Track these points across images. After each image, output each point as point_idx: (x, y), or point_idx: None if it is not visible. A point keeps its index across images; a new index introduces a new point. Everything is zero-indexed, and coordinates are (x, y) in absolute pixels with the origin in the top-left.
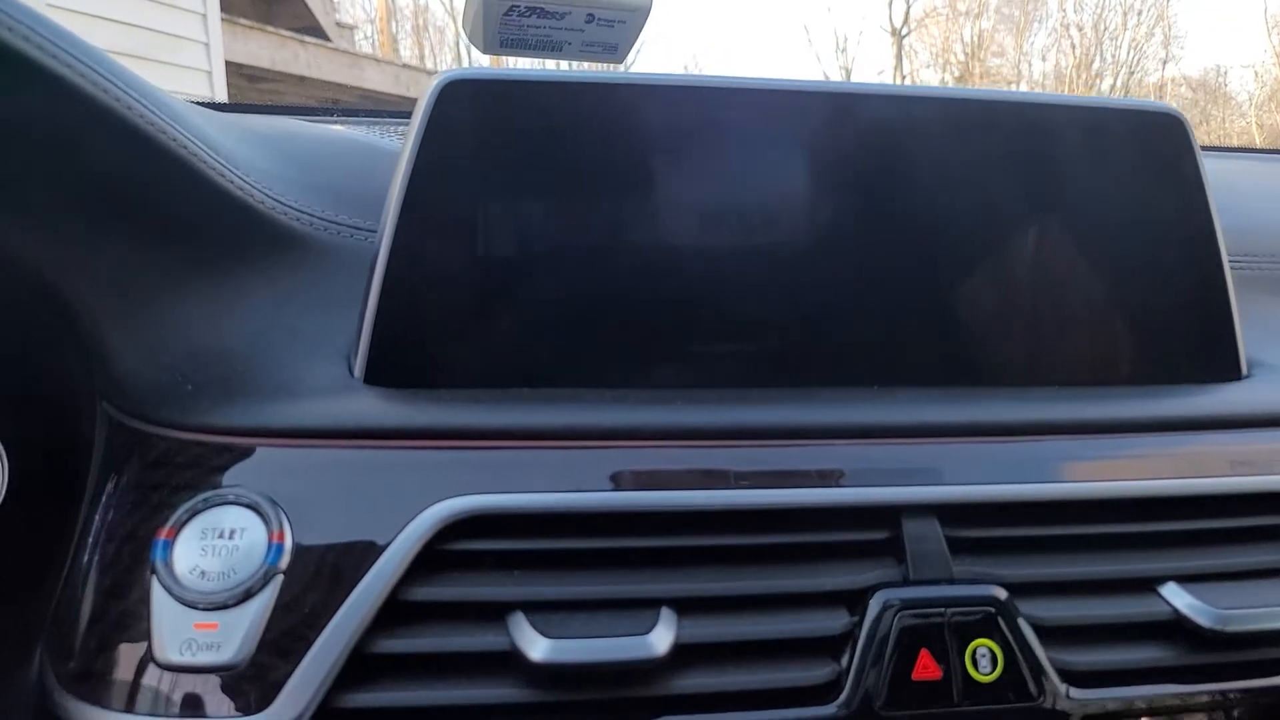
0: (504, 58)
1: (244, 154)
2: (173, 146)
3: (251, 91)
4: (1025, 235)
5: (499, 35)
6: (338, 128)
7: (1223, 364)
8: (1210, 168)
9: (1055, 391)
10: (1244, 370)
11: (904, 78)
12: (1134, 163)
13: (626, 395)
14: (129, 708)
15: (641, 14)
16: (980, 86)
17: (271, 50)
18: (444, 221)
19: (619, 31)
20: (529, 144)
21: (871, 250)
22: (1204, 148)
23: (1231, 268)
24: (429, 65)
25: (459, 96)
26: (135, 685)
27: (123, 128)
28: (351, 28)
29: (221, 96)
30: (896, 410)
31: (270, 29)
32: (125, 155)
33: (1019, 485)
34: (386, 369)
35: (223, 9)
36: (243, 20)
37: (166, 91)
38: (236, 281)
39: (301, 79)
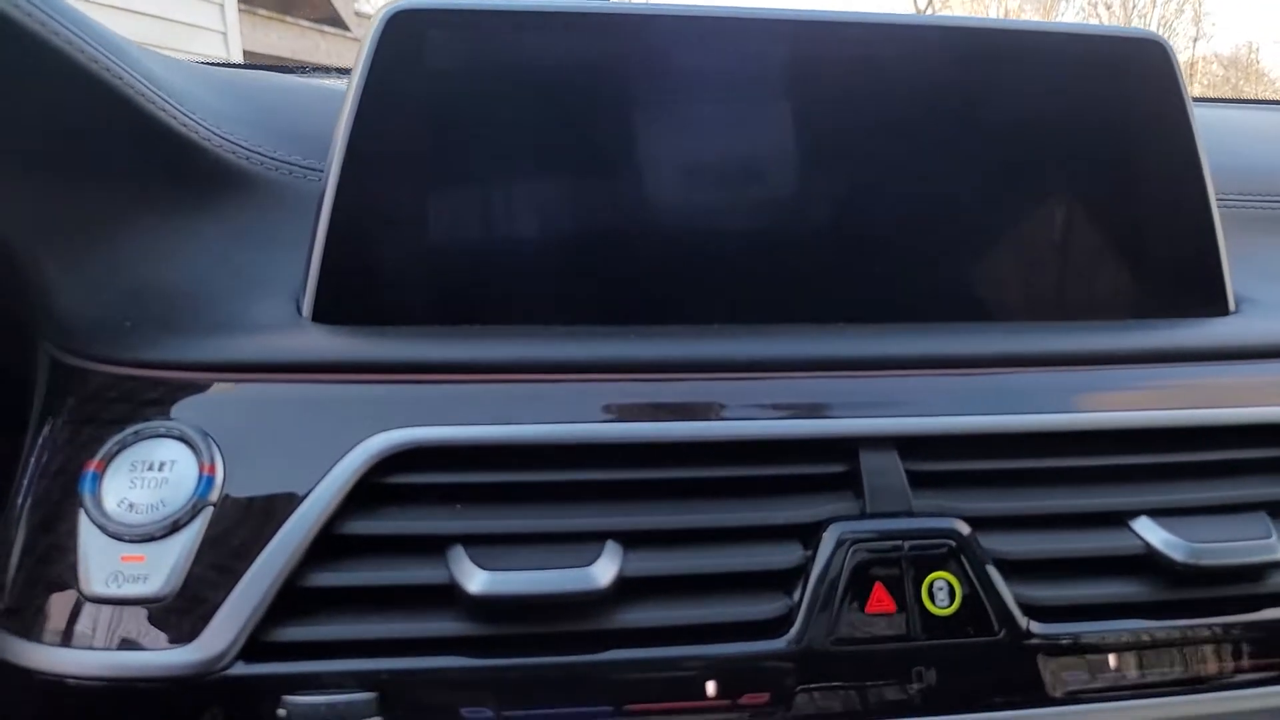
0: None
1: (189, 90)
2: (110, 79)
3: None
4: (1003, 168)
5: None
6: (294, 77)
7: (1209, 299)
8: (1207, 115)
9: (1025, 325)
10: (1232, 306)
11: None
12: (1115, 90)
13: (574, 330)
14: (57, 640)
15: None
16: None
17: (291, 40)
18: (391, 158)
19: None
20: (479, 77)
21: (839, 184)
22: (1201, 99)
23: (1225, 205)
24: None
25: (407, 28)
26: (63, 618)
27: (57, 60)
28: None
29: None
30: (856, 343)
31: (289, 19)
32: (60, 89)
33: (983, 417)
34: (334, 307)
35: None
36: (262, 10)
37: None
38: (183, 219)
39: (320, 68)
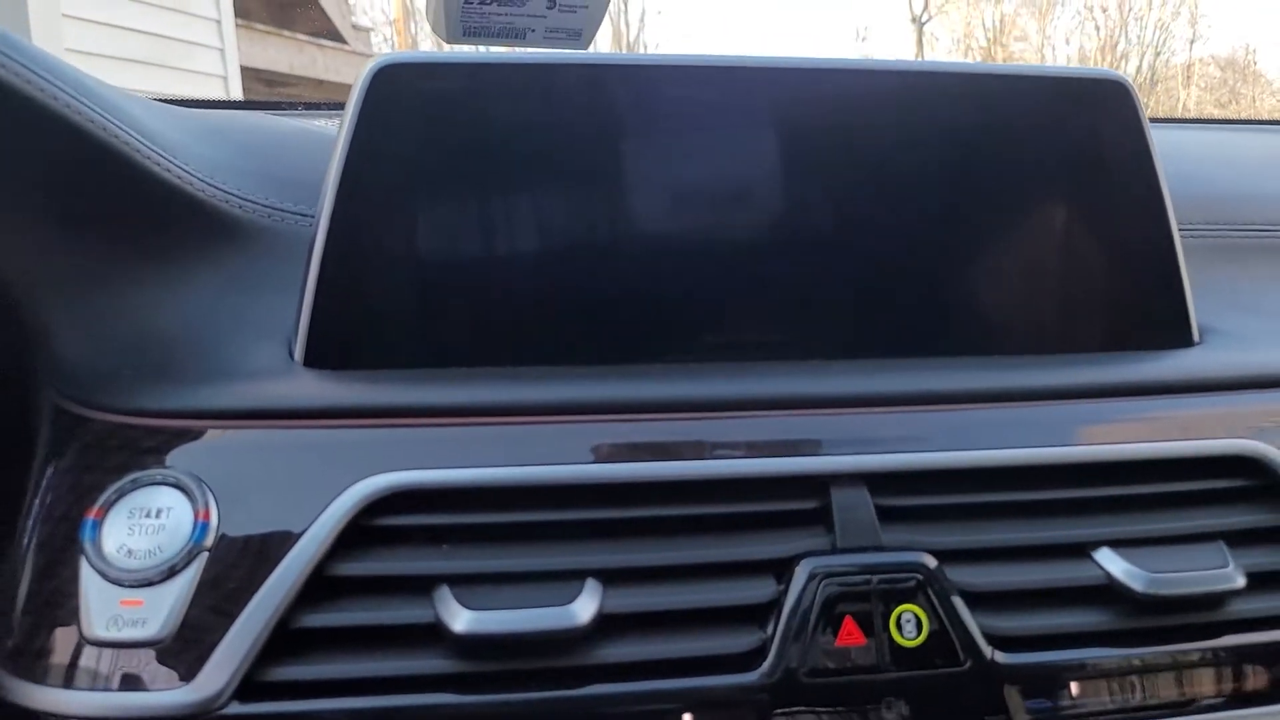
0: None
1: (182, 142)
2: (102, 136)
3: (270, 96)
4: (967, 206)
5: (461, 24)
6: (285, 119)
7: (1173, 331)
8: (1167, 138)
9: (991, 360)
10: (1196, 337)
11: None
12: (1081, 130)
13: (558, 372)
14: (60, 682)
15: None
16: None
17: (290, 55)
18: (380, 204)
19: (581, 17)
20: (465, 126)
21: (805, 223)
22: (1162, 119)
23: (1193, 235)
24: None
25: (394, 79)
26: (65, 661)
27: (53, 121)
28: (369, 30)
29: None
30: (826, 382)
31: (287, 33)
32: (57, 147)
33: (950, 453)
34: (325, 351)
35: (238, 15)
36: (259, 25)
37: (103, 82)
38: (179, 268)
39: (320, 82)
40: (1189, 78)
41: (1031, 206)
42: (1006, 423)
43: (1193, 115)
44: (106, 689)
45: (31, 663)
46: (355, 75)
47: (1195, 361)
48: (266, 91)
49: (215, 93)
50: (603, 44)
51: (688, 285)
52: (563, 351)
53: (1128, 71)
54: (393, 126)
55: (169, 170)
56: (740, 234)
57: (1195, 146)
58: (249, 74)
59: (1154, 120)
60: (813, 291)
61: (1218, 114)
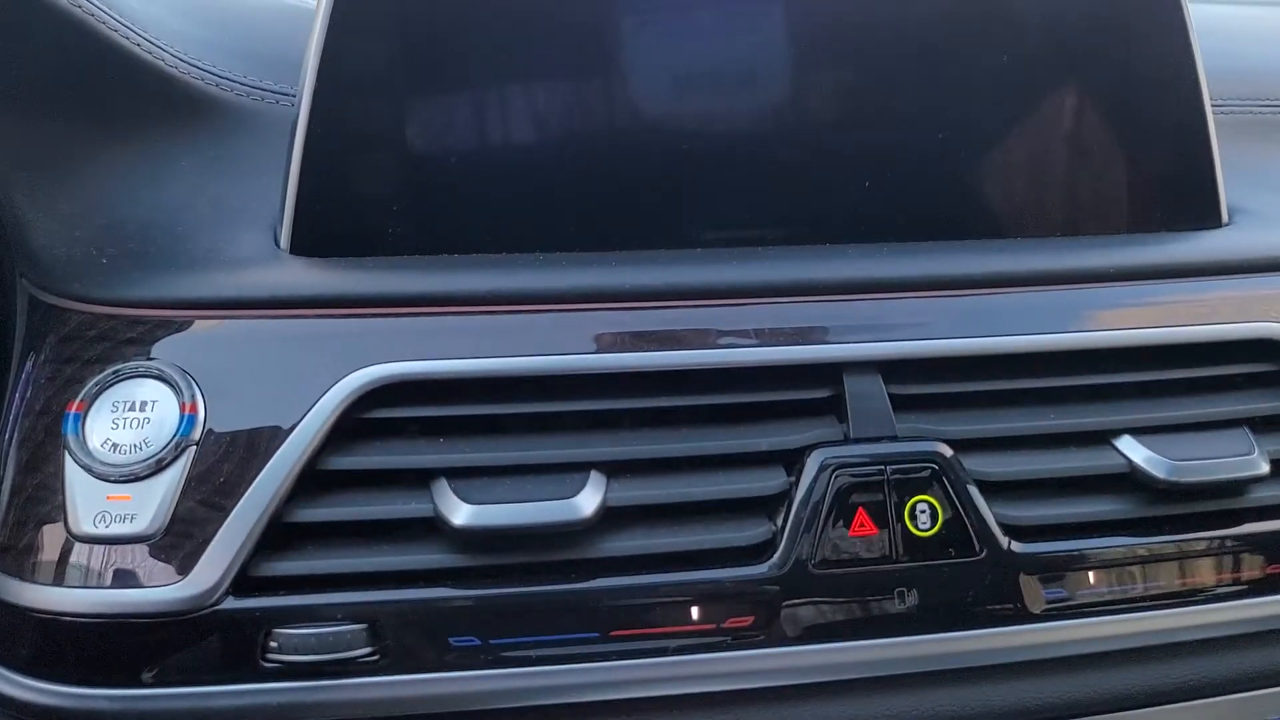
0: None
1: (154, 15)
2: (69, 7)
3: None
4: (987, 80)
5: None
6: None
7: (1202, 211)
8: (1203, 10)
9: (1010, 243)
10: (1225, 217)
11: None
12: (1114, 3)
13: (556, 258)
14: (49, 579)
15: None
16: None
17: None
18: (365, 84)
19: None
20: None
21: (822, 100)
22: None
23: (1221, 111)
24: None
25: None
26: (54, 557)
27: None
28: None
29: None
30: (839, 266)
31: None
32: (16, 21)
33: (967, 339)
34: (312, 238)
35: None
36: None
37: None
38: (156, 152)
39: None
40: None
41: (1056, 80)
42: (1025, 308)
43: None
44: (97, 585)
45: (20, 560)
46: None
47: (1223, 242)
48: None
49: None
50: None
51: (692, 168)
52: (561, 238)
53: None
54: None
55: (139, 44)
56: (747, 114)
57: (1233, 20)
58: None
59: None
60: (824, 173)
61: None
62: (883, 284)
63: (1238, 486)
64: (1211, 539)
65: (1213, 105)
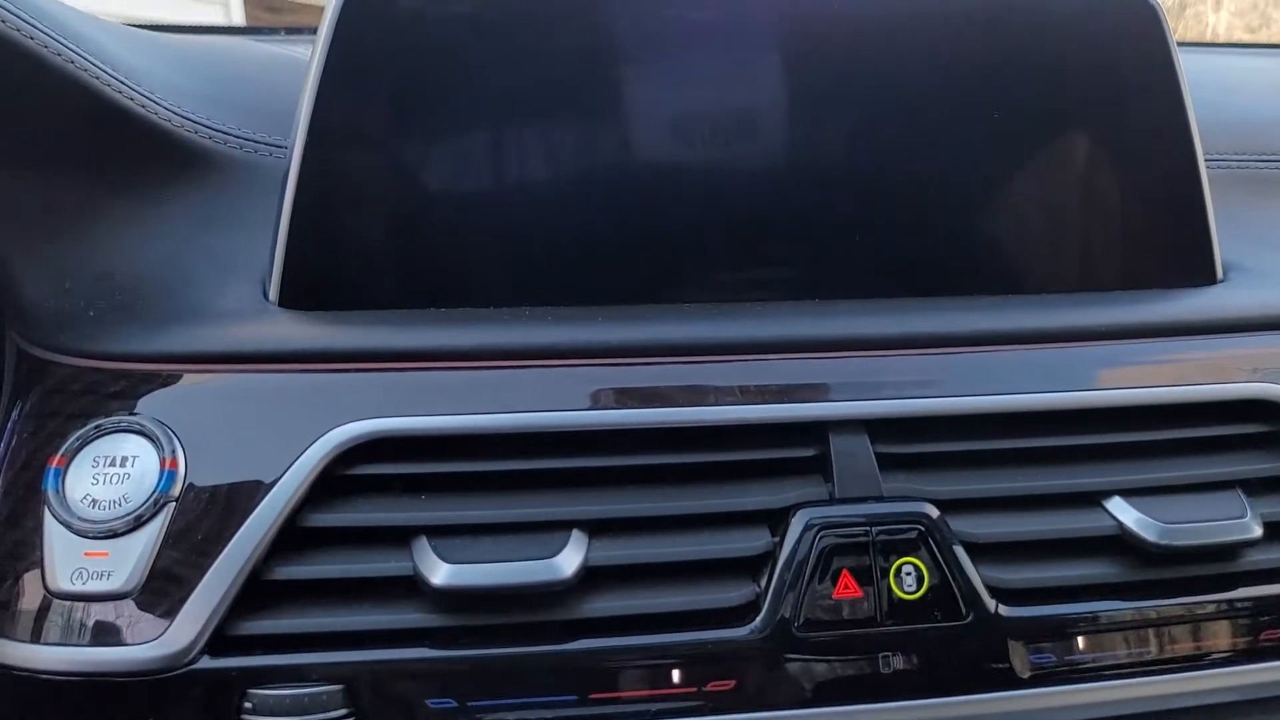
0: None
1: (148, 68)
2: (59, 62)
3: (273, 21)
4: (979, 135)
5: None
6: (263, 44)
7: (1196, 268)
8: (1195, 64)
9: (999, 300)
10: (1219, 274)
11: None
12: (1106, 56)
13: (542, 313)
14: (26, 636)
15: None
16: None
17: None
18: (356, 136)
19: None
20: (445, 53)
21: (804, 156)
22: (1190, 43)
23: (1215, 165)
24: None
25: (366, 2)
26: (31, 613)
27: (5, 46)
28: None
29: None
30: (826, 323)
31: None
32: (8, 75)
33: (954, 398)
34: (301, 291)
35: None
36: None
37: (64, 4)
38: (146, 203)
39: (324, 7)
40: (1219, 1)
41: (1050, 135)
42: (1015, 366)
43: (1222, 40)
44: (73, 643)
45: None
46: None
47: (1217, 301)
48: (270, 19)
49: (216, 18)
50: None
51: (678, 221)
52: (550, 292)
53: None
54: (368, 52)
55: (132, 98)
56: (735, 172)
57: (1224, 72)
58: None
59: (1182, 44)
60: (812, 228)
61: (1248, 39)
62: (870, 341)
63: (1230, 550)
64: (1204, 604)
65: (1206, 160)
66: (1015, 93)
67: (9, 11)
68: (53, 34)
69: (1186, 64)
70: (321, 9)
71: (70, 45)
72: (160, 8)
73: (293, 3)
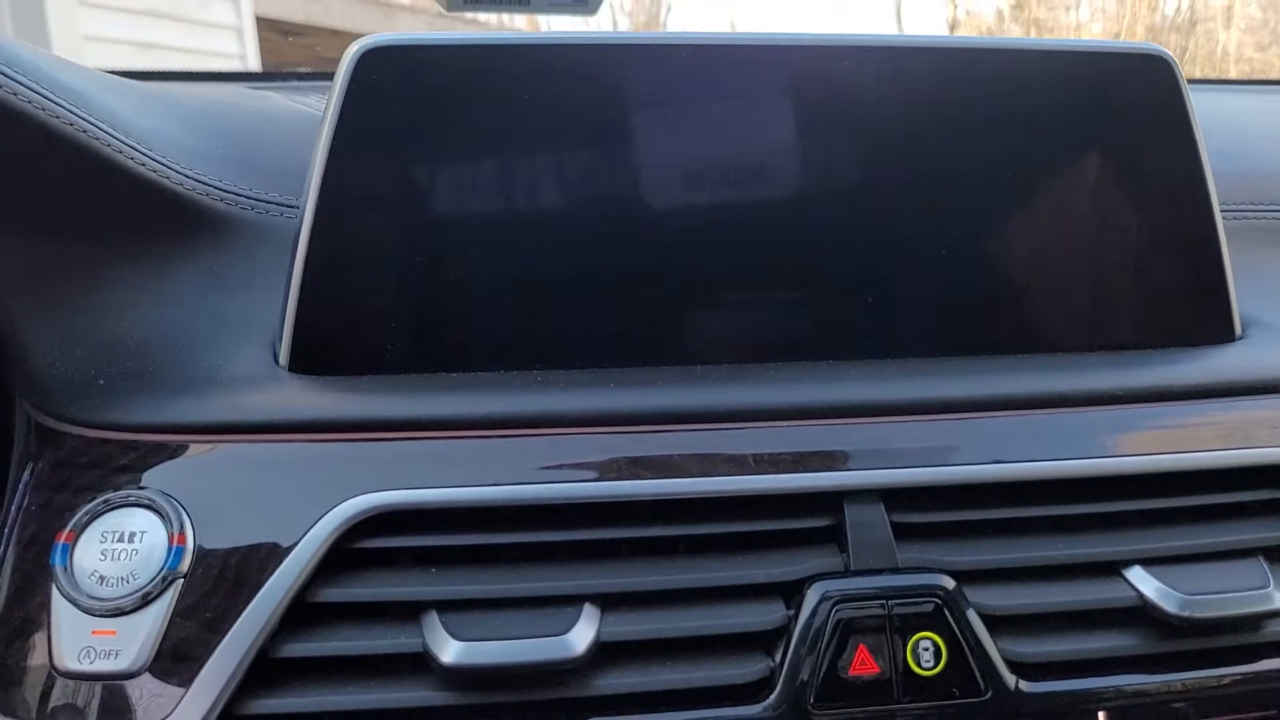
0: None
1: (157, 129)
2: (69, 130)
3: (286, 46)
4: (992, 191)
5: None
6: (276, 96)
7: (1214, 325)
8: (1209, 108)
9: (1014, 361)
10: (1238, 331)
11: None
12: (1119, 109)
13: (552, 379)
14: (30, 717)
15: None
16: (1037, 10)
17: (304, 4)
18: (368, 199)
19: None
20: (454, 112)
21: (816, 213)
22: (1202, 80)
23: (1231, 216)
24: (467, 14)
25: (378, 65)
26: (37, 694)
27: (10, 114)
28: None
29: (253, 52)
30: (840, 388)
31: None
32: (18, 143)
33: (971, 466)
34: (311, 356)
35: None
36: None
37: (66, 62)
38: (156, 268)
39: (335, 32)
40: (1229, 18)
41: (1065, 191)
42: (1031, 432)
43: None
44: None
45: (4, 696)
46: (342, 57)
47: (1236, 360)
48: (281, 41)
49: (229, 44)
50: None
51: (689, 283)
52: (560, 355)
53: (1166, 13)
54: (380, 114)
55: (143, 163)
56: (749, 228)
57: (1237, 115)
58: (263, 24)
59: (1193, 82)
60: (825, 288)
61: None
62: (885, 407)
63: (1254, 621)
64: (1226, 676)
65: (1223, 211)
66: (1029, 149)
67: (19, 82)
68: (63, 102)
69: (1198, 105)
70: (332, 32)
71: (80, 113)
72: (175, 35)
73: (304, 26)
